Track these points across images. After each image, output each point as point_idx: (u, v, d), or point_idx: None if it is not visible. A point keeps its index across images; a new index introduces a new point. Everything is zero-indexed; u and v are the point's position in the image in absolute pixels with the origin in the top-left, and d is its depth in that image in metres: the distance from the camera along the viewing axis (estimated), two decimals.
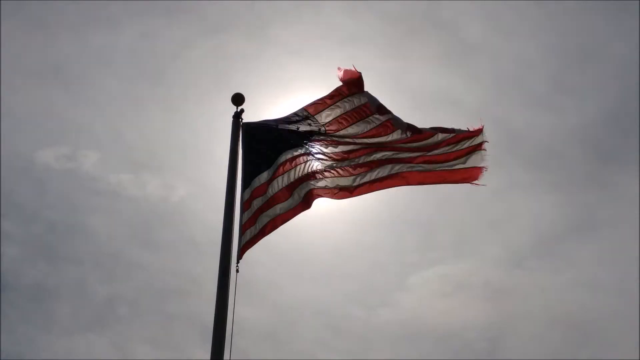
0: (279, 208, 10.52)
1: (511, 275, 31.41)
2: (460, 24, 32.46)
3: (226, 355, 9.05)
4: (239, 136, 10.53)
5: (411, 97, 32.52)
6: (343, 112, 10.82)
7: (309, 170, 10.74)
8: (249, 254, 10.23)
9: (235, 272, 9.66)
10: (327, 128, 10.79)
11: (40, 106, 31.60)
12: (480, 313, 29.90)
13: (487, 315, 30.01)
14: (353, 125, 10.82)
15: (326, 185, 10.75)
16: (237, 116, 10.65)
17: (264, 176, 10.51)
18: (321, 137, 10.83)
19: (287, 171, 10.64)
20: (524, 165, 33.05)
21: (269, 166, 10.56)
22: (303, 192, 10.62)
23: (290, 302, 29.35)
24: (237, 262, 9.86)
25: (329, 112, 10.82)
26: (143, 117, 32.39)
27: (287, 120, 10.80)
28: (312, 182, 10.70)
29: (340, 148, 10.84)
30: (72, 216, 31.09)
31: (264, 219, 10.45)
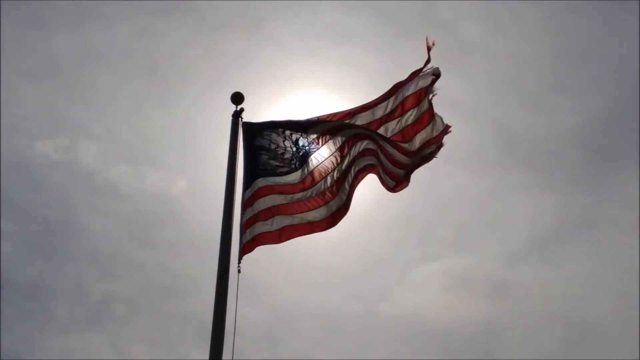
0: (299, 217, 10.45)
1: (510, 272, 31.44)
2: (457, 24, 32.46)
3: (226, 356, 9.01)
4: (238, 135, 10.46)
5: None
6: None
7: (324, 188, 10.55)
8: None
9: (237, 273, 9.60)
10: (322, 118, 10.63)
11: (37, 104, 31.56)
12: (480, 309, 29.91)
13: (488, 311, 30.04)
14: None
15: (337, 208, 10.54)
16: (237, 115, 10.58)
17: (271, 180, 10.44)
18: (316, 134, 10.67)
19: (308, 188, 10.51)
20: (521, 165, 33.11)
21: (272, 173, 10.47)
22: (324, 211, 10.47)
23: (288, 301, 29.32)
24: (239, 262, 9.81)
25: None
26: (140, 115, 32.35)
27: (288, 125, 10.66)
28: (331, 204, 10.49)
29: (330, 147, 10.65)
30: (69, 214, 31.05)
31: (283, 220, 10.39)
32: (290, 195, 10.45)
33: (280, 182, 10.45)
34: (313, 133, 10.59)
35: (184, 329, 28.15)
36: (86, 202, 31.19)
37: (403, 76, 10.85)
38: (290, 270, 27.99)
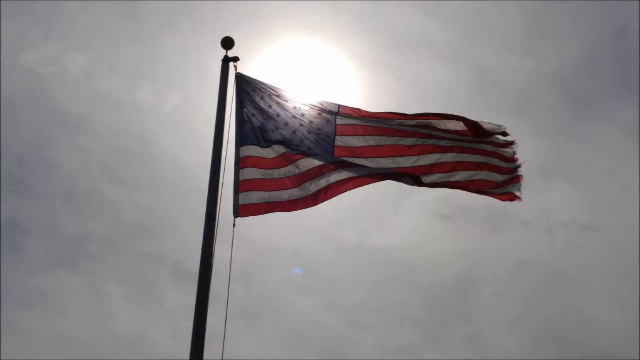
0: (287, 194, 9.97)
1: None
2: None
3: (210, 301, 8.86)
4: (227, 82, 10.06)
5: (384, 37, 32.23)
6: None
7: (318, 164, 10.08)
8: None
9: (232, 227, 9.46)
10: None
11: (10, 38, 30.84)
12: (476, 239, 29.87)
13: (484, 241, 30.04)
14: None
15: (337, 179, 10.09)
16: (227, 60, 10.16)
17: (267, 151, 10.06)
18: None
19: (294, 161, 10.06)
20: (499, 109, 32.99)
21: (269, 142, 10.09)
22: (313, 186, 10.00)
23: (265, 241, 29.19)
24: (235, 217, 9.63)
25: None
26: (116, 53, 31.79)
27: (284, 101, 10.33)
28: (325, 177, 10.06)
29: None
30: (43, 150, 30.63)
31: (271, 196, 9.98)
32: (263, 171, 10.02)
33: (259, 154, 10.05)
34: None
35: (159, 268, 28.07)
36: (60, 138, 30.79)
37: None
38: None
